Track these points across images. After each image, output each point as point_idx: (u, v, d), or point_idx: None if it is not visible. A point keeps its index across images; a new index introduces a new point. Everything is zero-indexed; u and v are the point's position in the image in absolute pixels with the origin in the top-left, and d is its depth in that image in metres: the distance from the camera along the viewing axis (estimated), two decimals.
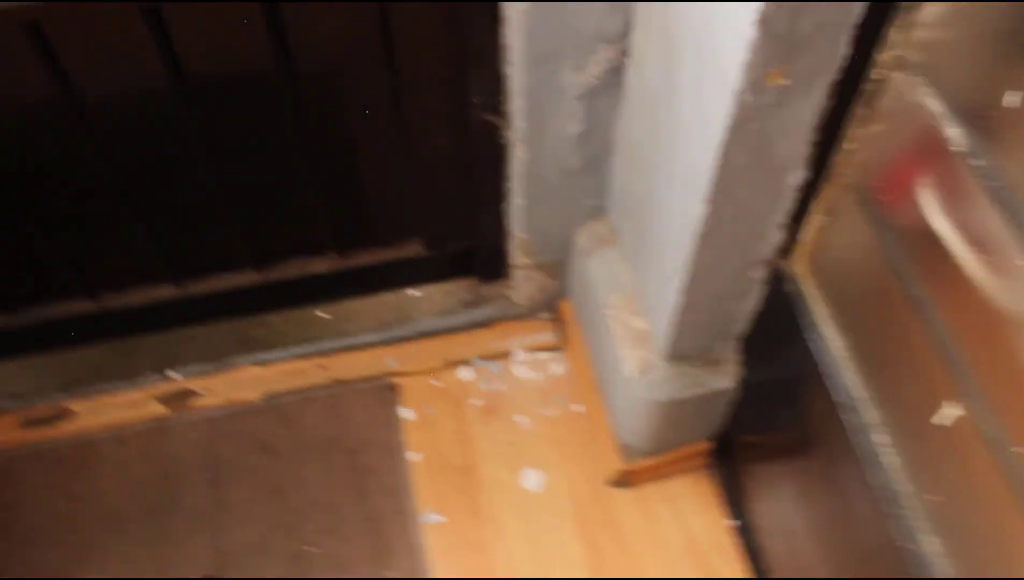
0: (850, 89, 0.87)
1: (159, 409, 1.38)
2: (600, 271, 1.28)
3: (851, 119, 0.90)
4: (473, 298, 1.47)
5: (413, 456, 1.38)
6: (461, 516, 1.34)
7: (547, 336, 1.47)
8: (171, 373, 1.40)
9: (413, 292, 1.47)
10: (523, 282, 1.42)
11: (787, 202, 0.97)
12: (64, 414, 1.36)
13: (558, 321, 1.48)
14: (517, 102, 1.13)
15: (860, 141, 0.91)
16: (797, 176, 0.95)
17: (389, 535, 1.31)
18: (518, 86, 1.11)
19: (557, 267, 1.40)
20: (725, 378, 1.20)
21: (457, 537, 1.32)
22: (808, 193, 0.98)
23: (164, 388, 1.39)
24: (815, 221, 1.00)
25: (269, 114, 1.13)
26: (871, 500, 0.90)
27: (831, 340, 0.99)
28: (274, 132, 1.16)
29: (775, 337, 1.10)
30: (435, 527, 1.33)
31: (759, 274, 1.07)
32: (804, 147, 0.91)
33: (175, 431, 1.38)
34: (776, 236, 1.01)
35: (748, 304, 1.12)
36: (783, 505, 1.20)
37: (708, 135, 0.90)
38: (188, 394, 1.39)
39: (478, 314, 1.47)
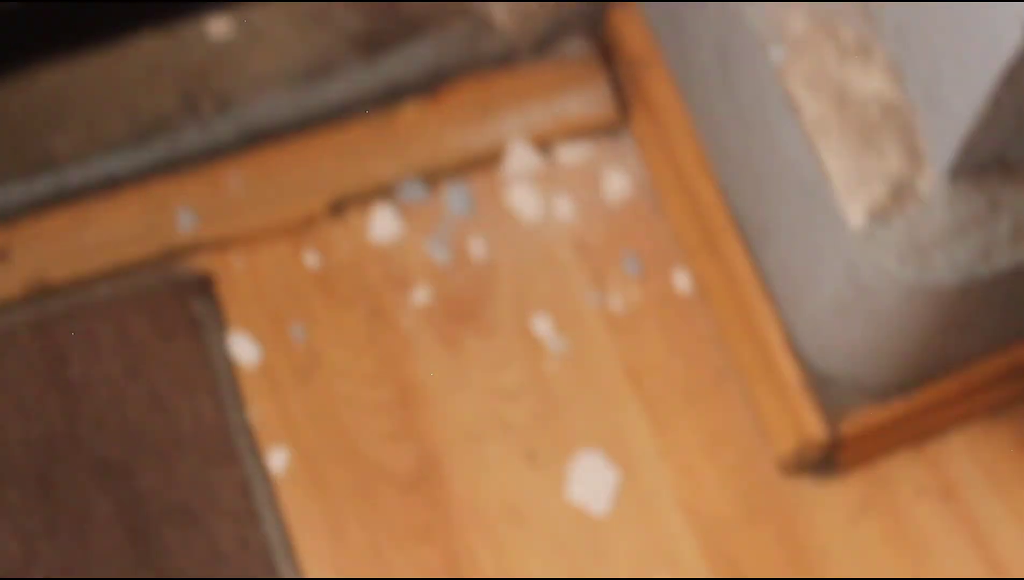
0: None
1: None
2: None
3: None
4: (378, 25, 1.33)
5: (276, 459, 1.24)
6: None
7: (584, 99, 1.35)
8: None
9: (215, 26, 1.31)
10: None
11: None
12: None
13: (606, 61, 1.36)
14: None
15: None
16: None
17: None
18: None
19: None
20: None
21: None
22: None
23: None
24: None
25: None
26: None
27: None
28: None
29: None
30: None
31: None
32: None
33: None
34: None
35: None
36: None
37: None
38: None
39: (398, 64, 1.33)
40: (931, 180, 1.02)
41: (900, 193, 1.02)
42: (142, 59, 1.31)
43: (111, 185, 1.29)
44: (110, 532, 1.23)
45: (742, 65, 1.13)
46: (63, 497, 1.23)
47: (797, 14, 1.07)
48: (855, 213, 1.02)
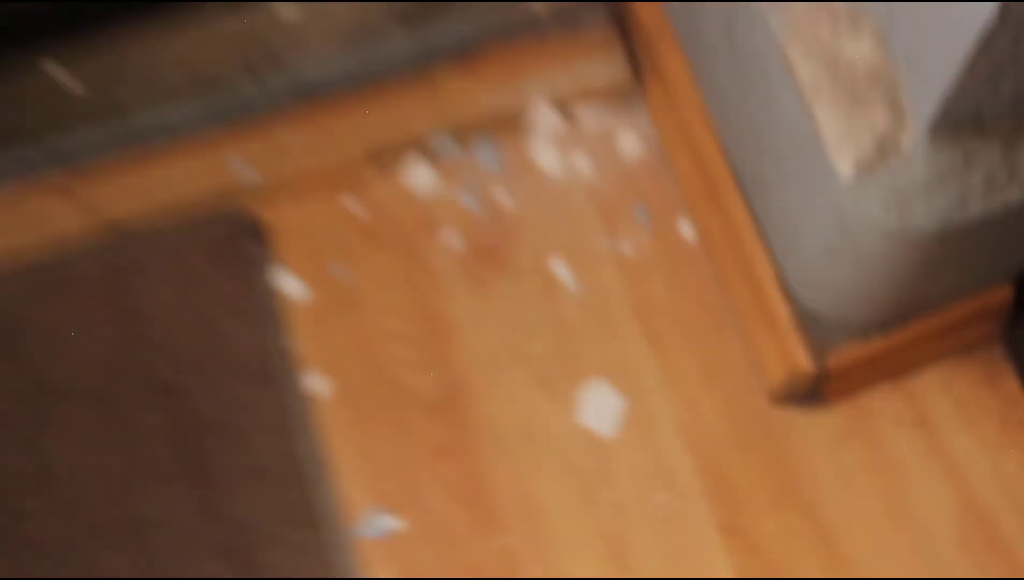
0: None
1: None
2: None
3: None
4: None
5: (318, 385, 1.25)
6: (443, 508, 1.23)
7: (603, 66, 1.35)
8: None
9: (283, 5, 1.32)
10: None
11: None
12: None
13: (623, 31, 1.36)
14: None
15: None
16: None
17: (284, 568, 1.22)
18: None
19: None
20: None
21: (440, 557, 1.22)
22: None
23: None
24: None
25: None
26: None
27: None
28: None
29: None
30: (386, 546, 1.22)
31: None
32: None
33: None
34: None
35: None
36: None
37: None
38: None
39: (436, 35, 1.34)
40: (912, 136, 1.00)
41: (885, 147, 1.02)
42: (204, 37, 1.31)
43: (172, 133, 1.28)
44: (160, 444, 1.24)
45: (746, 35, 1.11)
46: (118, 412, 1.24)
47: None
48: (844, 165, 1.02)
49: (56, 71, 1.29)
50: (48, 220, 1.27)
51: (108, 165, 1.28)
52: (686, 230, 1.30)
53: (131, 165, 1.29)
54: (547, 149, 1.32)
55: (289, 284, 1.27)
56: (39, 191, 1.28)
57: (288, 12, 1.32)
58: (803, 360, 1.21)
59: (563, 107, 1.32)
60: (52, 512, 1.22)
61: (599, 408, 1.25)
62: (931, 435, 1.25)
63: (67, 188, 1.27)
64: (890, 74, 1.02)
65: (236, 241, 1.29)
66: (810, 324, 1.21)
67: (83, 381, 1.25)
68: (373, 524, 1.20)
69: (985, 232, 1.07)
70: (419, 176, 1.30)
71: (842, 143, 1.03)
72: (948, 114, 0.97)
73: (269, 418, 1.24)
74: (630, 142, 1.32)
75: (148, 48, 1.31)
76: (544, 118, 1.32)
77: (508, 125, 1.32)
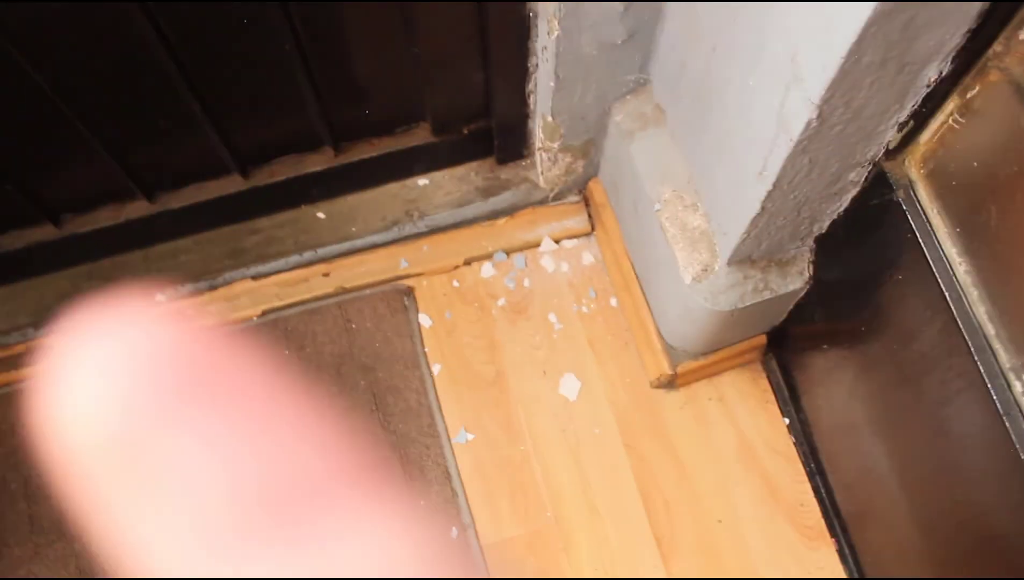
0: None
1: None
2: (646, 158, 1.09)
3: None
4: (490, 184, 1.27)
5: (435, 368, 1.24)
6: (493, 431, 1.21)
7: (576, 221, 1.30)
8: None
9: (421, 181, 1.27)
10: (547, 164, 1.22)
11: (915, 100, 0.76)
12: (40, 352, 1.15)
13: (586, 203, 1.31)
14: None
15: None
16: (936, 71, 0.71)
17: (418, 459, 1.18)
18: None
19: (587, 147, 1.20)
20: (796, 279, 1.05)
21: (491, 454, 1.19)
22: (944, 88, 0.75)
23: None
24: (943, 119, 0.78)
25: None
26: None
27: (940, 242, 0.84)
28: (243, 5, 0.92)
29: (862, 230, 0.96)
30: (466, 446, 1.20)
31: (858, 176, 0.88)
32: (959, 38, 0.67)
33: None
34: (889, 136, 0.82)
35: (838, 206, 0.94)
36: (840, 398, 1.12)
37: (826, 29, 0.69)
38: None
39: (498, 202, 1.27)
40: (720, 265, 1.02)
41: (707, 270, 1.03)
42: (385, 196, 1.25)
43: (369, 249, 1.24)
44: (366, 397, 1.17)
45: (643, 209, 1.10)
46: (345, 380, 1.19)
47: (666, 188, 1.05)
48: (687, 277, 1.03)
49: (319, 213, 1.24)
50: (313, 286, 1.22)
51: (346, 259, 1.23)
52: (614, 301, 1.25)
53: (356, 258, 1.23)
54: (548, 259, 1.27)
55: (424, 320, 1.24)
56: (310, 274, 1.22)
57: (423, 180, 1.24)
58: (666, 368, 1.19)
59: (557, 239, 1.27)
60: None
61: (569, 387, 1.21)
62: (725, 405, 1.21)
63: (325, 272, 1.22)
64: (710, 234, 1.03)
65: (399, 297, 1.24)
66: (670, 351, 1.19)
67: (327, 363, 1.20)
68: (461, 436, 1.18)
69: (753, 312, 1.07)
70: (486, 271, 1.26)
71: (686, 266, 1.04)
72: (736, 256, 0.99)
73: (415, 383, 1.21)
74: (588, 257, 1.27)
75: (360, 205, 1.24)
76: (547, 244, 1.27)
77: (531, 247, 1.26)
